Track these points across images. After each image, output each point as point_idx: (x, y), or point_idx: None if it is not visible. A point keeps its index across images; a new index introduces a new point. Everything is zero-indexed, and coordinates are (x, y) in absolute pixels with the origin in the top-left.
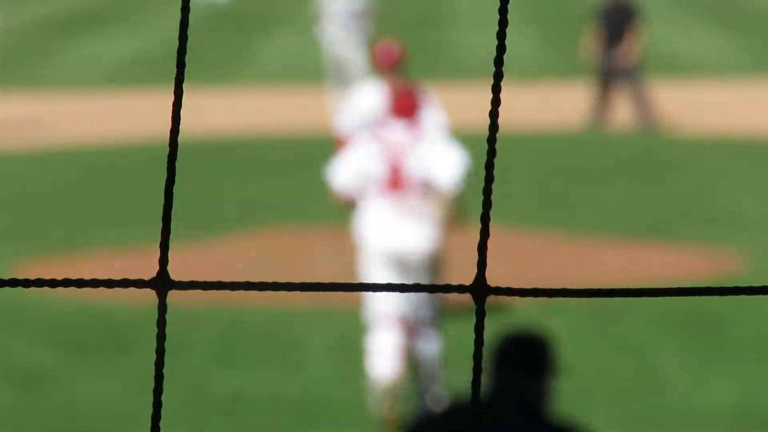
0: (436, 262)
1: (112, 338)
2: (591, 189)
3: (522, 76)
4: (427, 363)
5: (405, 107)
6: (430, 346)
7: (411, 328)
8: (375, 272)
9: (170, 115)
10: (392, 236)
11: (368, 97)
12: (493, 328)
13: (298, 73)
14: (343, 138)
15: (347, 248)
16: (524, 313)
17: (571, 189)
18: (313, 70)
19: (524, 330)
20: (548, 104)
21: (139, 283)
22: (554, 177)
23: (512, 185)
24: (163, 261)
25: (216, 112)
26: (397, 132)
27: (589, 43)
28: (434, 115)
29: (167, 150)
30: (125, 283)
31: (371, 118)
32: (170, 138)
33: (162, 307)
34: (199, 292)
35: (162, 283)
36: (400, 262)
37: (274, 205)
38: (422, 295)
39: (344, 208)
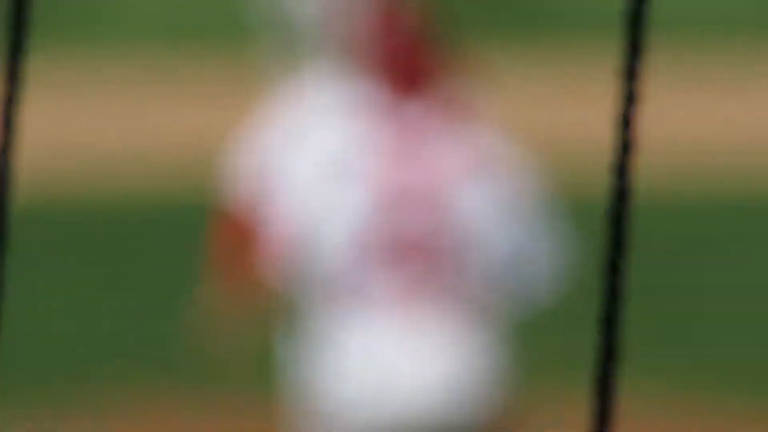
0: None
1: None
2: None
3: (698, 49)
4: None
5: (404, 61)
6: None
7: None
8: None
9: None
10: (390, 385)
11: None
12: None
13: (189, 39)
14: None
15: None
16: None
17: None
18: (221, 36)
19: None
20: (756, 107)
21: None
22: None
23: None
24: None
25: (36, 117)
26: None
27: None
28: (487, 132)
29: None
30: None
31: (333, 157)
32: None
33: None
34: None
35: None
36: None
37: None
38: None
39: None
